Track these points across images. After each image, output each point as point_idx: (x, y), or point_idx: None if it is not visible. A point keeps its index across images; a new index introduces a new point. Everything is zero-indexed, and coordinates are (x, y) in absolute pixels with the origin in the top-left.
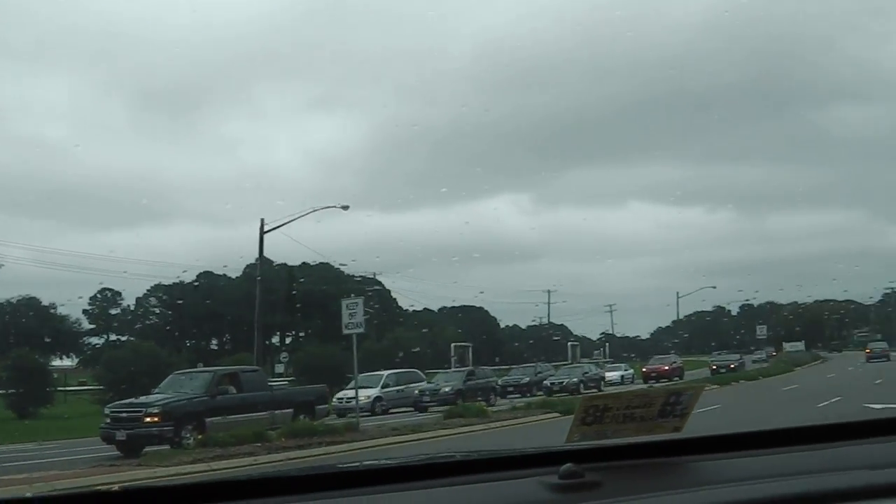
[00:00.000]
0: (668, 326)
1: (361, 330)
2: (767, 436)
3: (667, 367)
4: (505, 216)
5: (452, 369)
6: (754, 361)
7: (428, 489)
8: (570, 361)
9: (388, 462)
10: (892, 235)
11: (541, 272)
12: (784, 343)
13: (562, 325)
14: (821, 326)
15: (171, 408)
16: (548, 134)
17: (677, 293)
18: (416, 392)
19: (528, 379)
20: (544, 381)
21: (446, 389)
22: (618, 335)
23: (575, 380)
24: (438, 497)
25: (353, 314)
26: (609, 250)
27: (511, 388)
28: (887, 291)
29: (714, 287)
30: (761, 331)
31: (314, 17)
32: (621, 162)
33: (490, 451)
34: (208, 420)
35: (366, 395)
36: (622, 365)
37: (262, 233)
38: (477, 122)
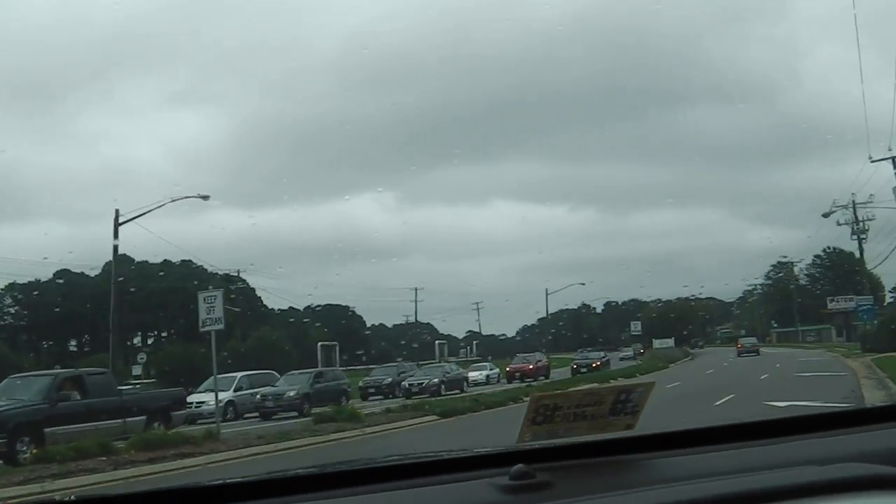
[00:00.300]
0: (533, 324)
1: (221, 326)
2: (720, 431)
3: (531, 367)
4: (370, 214)
5: (297, 371)
6: (622, 359)
7: (372, 493)
8: (437, 360)
9: (329, 467)
10: (750, 234)
11: (407, 270)
12: (654, 340)
13: (428, 323)
14: (687, 323)
15: (1, 417)
16: (412, 131)
17: (546, 290)
18: (258, 397)
19: (390, 379)
20: (402, 383)
21: (291, 394)
22: (485, 334)
23: (435, 380)
24: (385, 501)
25: (211, 309)
26: (475, 248)
27: (373, 390)
28: (747, 289)
29: (584, 284)
30: (636, 326)
31: (175, 8)
32: (485, 160)
33: (438, 453)
34: (47, 430)
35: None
36: (487, 364)
37: (117, 224)
38: (342, 118)
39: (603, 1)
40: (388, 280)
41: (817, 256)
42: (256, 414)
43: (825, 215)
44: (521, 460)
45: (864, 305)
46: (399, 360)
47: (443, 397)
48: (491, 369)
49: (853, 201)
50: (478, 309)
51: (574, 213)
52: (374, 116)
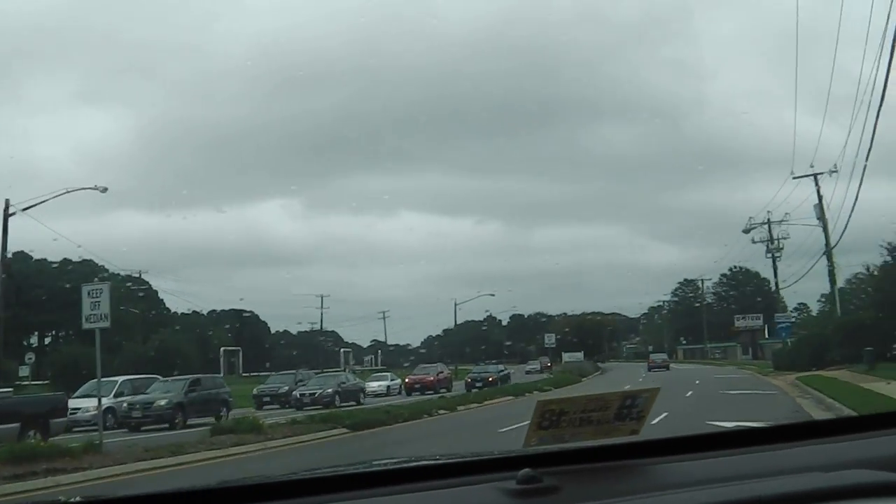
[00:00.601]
0: (439, 335)
1: (106, 324)
2: (725, 437)
3: (432, 378)
4: (278, 220)
5: (171, 378)
6: (527, 372)
7: (381, 496)
8: (342, 369)
9: (337, 469)
10: (653, 252)
11: (314, 278)
12: (563, 353)
13: (333, 331)
14: (597, 337)
15: None
16: (321, 140)
17: (455, 301)
18: (125, 406)
19: (286, 388)
20: (293, 392)
21: (162, 403)
22: (390, 343)
23: (329, 391)
24: None
25: (96, 304)
26: (382, 258)
27: (268, 398)
28: (653, 305)
29: (493, 294)
30: (550, 339)
31: (84, 4)
32: (394, 171)
33: (446, 457)
34: None
35: (92, 405)
36: (388, 374)
37: (7, 215)
38: (251, 123)
39: (512, 17)
40: (294, 287)
41: (724, 275)
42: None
43: (745, 231)
44: (527, 464)
45: (783, 323)
46: (300, 368)
47: (349, 408)
48: (392, 379)
49: (769, 219)
50: (384, 318)
51: (481, 225)
52: (284, 123)
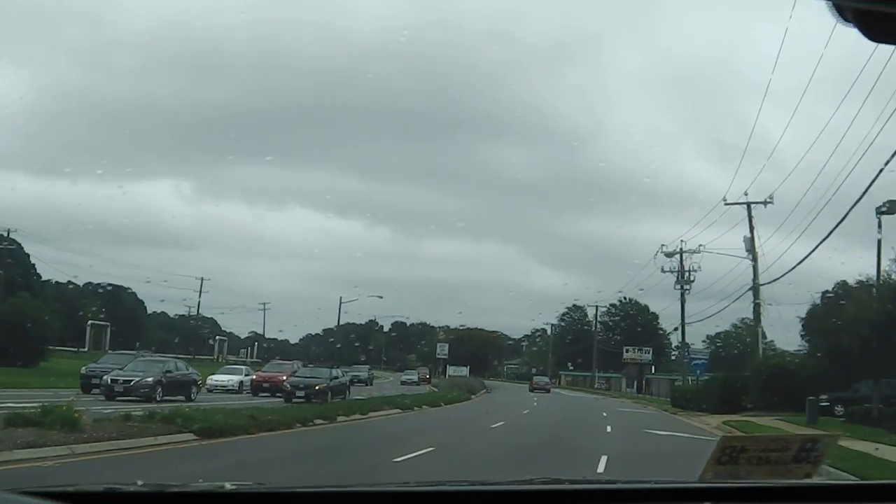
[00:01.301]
0: (318, 334)
1: None
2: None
3: (285, 377)
4: (166, 201)
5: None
6: (403, 382)
7: None
8: (215, 358)
9: (518, 486)
10: (540, 275)
11: (198, 262)
12: (448, 367)
13: (212, 318)
14: (482, 353)
15: None
16: (215, 125)
17: (340, 297)
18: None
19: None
20: (104, 377)
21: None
22: (267, 336)
23: (150, 380)
24: None
25: None
26: (268, 250)
27: (96, 380)
28: (536, 328)
29: (381, 297)
30: (442, 349)
31: None
32: (289, 165)
33: (626, 482)
34: None
35: None
36: (244, 368)
37: None
38: (147, 101)
39: (422, 24)
40: (177, 269)
41: (613, 305)
42: None
43: (668, 255)
44: (706, 498)
45: (699, 360)
46: (143, 351)
47: (203, 407)
48: (247, 374)
49: (681, 249)
50: (264, 310)
51: (370, 229)
52: (180, 104)
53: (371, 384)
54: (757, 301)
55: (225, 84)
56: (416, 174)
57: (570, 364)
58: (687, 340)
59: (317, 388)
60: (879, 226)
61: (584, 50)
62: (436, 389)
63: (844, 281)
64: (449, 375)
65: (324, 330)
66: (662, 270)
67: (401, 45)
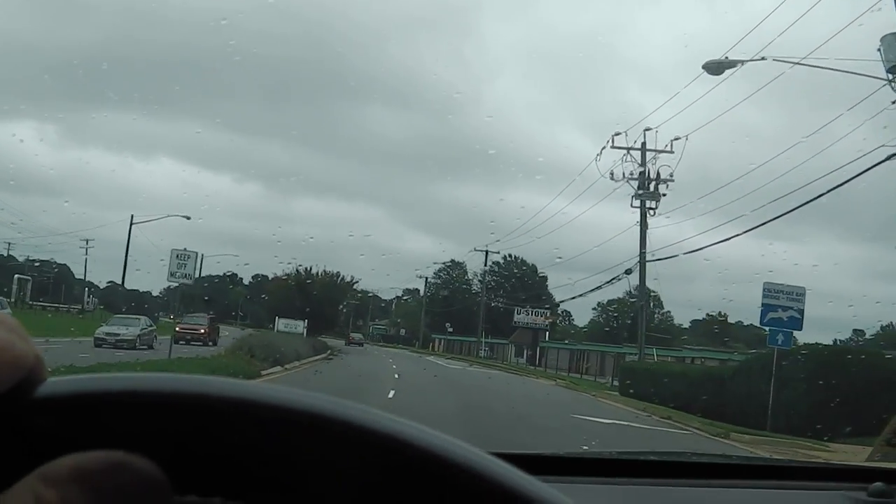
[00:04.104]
0: (177, 286)
1: None
2: None
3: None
4: (27, 144)
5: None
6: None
7: (735, 489)
8: (12, 300)
9: (677, 456)
10: (408, 240)
11: (61, 210)
12: (279, 318)
13: (64, 264)
14: (330, 307)
15: None
16: (83, 66)
17: (202, 254)
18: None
19: None
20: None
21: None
22: (128, 287)
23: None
24: (745, 498)
25: None
26: (134, 201)
27: None
28: (407, 288)
29: (237, 255)
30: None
31: None
32: (158, 114)
33: (794, 461)
34: None
35: None
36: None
37: None
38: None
39: None
40: (39, 218)
41: (496, 263)
42: None
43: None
44: (878, 478)
45: (783, 310)
46: None
47: None
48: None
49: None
50: (125, 262)
51: (239, 184)
52: (46, 44)
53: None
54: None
55: (90, 26)
56: (287, 131)
57: (448, 325)
58: (569, 311)
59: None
60: None
61: (465, 14)
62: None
63: None
64: (278, 330)
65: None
66: (612, 178)
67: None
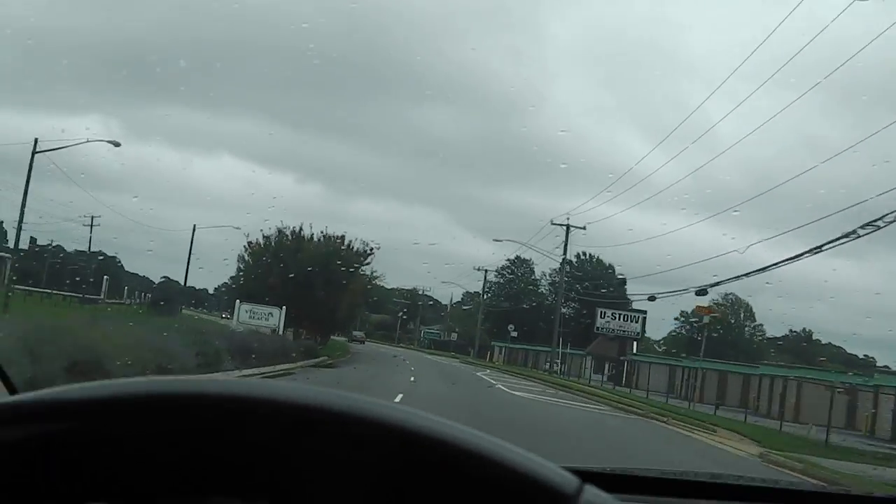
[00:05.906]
0: (226, 283)
1: None
2: None
3: None
4: (92, 137)
5: None
6: None
7: None
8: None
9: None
10: (467, 243)
11: (119, 203)
12: (241, 304)
13: (115, 256)
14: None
15: None
16: (141, 63)
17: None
18: None
19: None
20: None
21: None
22: (197, 287)
23: None
24: None
25: None
26: (197, 198)
27: None
28: (468, 292)
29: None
30: None
31: None
32: (219, 112)
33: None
34: None
35: None
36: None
37: None
38: (71, 35)
39: None
40: (95, 210)
41: (568, 262)
42: None
43: None
44: None
45: None
46: None
47: None
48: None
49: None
50: (189, 259)
51: (301, 184)
52: (103, 39)
53: None
54: None
55: (152, 17)
56: (346, 131)
57: (511, 328)
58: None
59: None
60: None
61: (521, 9)
62: None
63: None
64: (238, 321)
65: (230, 278)
66: None
67: None
